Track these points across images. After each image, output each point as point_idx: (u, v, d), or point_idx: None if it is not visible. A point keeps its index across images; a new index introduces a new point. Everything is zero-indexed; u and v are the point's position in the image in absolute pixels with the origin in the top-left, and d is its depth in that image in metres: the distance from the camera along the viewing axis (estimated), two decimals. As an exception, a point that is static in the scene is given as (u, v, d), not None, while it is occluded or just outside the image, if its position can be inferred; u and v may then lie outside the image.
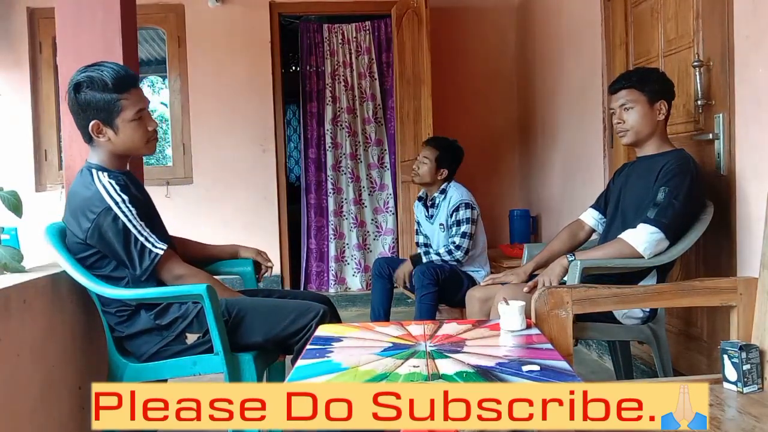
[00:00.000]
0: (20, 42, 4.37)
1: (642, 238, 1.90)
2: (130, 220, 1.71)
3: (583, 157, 3.38)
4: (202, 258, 2.14)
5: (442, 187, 3.11)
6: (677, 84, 2.36)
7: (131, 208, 1.73)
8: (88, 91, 1.71)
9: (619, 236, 1.96)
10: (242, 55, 4.48)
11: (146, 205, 1.87)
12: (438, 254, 2.97)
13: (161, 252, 1.74)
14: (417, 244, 3.33)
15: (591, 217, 2.27)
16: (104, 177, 1.76)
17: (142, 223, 1.74)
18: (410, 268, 3.03)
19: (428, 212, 3.17)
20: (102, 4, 2.17)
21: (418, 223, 3.28)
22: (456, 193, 3.04)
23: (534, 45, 4.30)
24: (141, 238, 1.72)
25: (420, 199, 3.27)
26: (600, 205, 2.27)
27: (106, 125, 1.75)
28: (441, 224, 3.08)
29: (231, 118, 4.49)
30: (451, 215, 3.00)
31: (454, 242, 2.94)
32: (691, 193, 1.90)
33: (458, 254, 2.92)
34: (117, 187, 1.74)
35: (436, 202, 3.12)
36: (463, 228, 2.93)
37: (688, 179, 1.90)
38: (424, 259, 3.02)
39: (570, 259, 1.95)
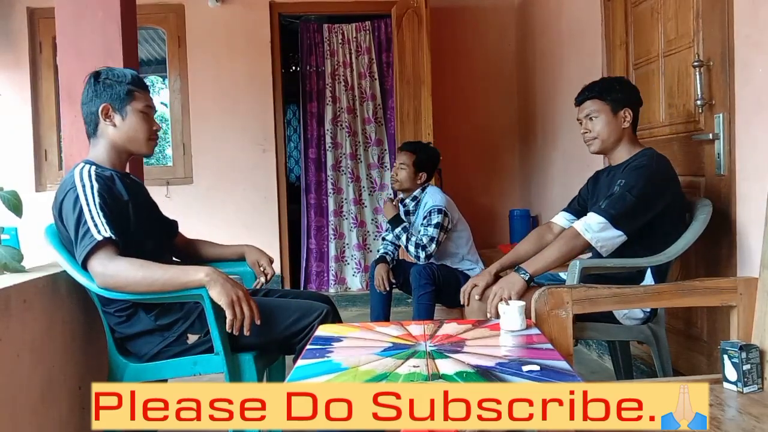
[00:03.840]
0: (20, 42, 4.37)
1: (588, 226, 1.90)
2: (87, 204, 1.66)
3: (583, 157, 3.38)
4: (212, 259, 2.13)
5: (414, 194, 3.11)
6: (677, 84, 2.37)
7: (95, 195, 1.68)
8: (107, 79, 1.80)
9: (571, 225, 1.99)
10: (242, 55, 4.48)
11: (120, 203, 1.76)
12: (407, 246, 2.98)
13: (99, 238, 1.62)
14: (383, 239, 3.30)
15: (563, 219, 2.26)
16: (88, 167, 1.76)
17: (100, 212, 1.66)
18: (386, 269, 3.05)
19: (405, 218, 3.16)
20: (102, 4, 2.17)
21: None
22: (430, 199, 3.03)
23: (534, 45, 4.30)
24: (90, 222, 1.64)
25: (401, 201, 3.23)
26: (573, 208, 2.27)
27: (116, 111, 1.80)
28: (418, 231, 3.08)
29: (231, 117, 4.49)
30: (424, 219, 3.00)
31: (421, 241, 2.93)
32: (647, 188, 1.90)
33: (422, 254, 2.92)
34: (93, 176, 1.72)
35: (409, 208, 3.12)
36: (431, 232, 2.92)
37: (645, 175, 1.91)
38: (388, 257, 3.11)
39: (523, 276, 1.91)
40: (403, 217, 3.11)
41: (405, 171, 3.07)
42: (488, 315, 1.88)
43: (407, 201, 3.14)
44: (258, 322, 1.67)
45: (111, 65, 1.92)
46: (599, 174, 2.23)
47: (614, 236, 1.90)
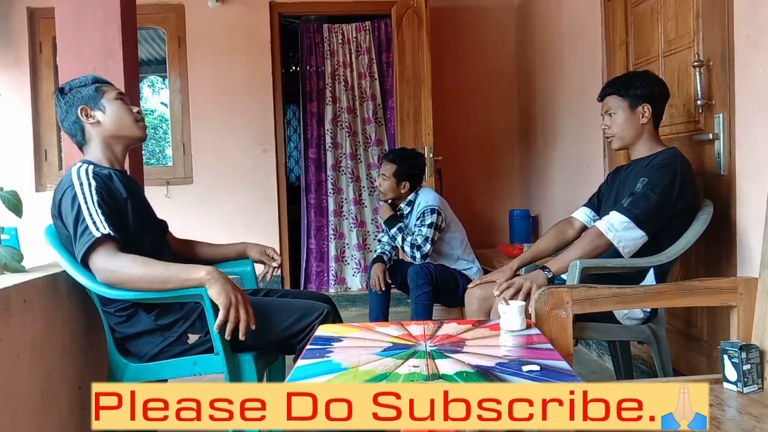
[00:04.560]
0: (20, 42, 4.37)
1: (611, 225, 1.90)
2: (86, 201, 1.67)
3: (583, 157, 3.38)
4: (213, 259, 2.13)
5: (409, 198, 3.11)
6: (677, 84, 2.37)
7: (93, 193, 1.68)
8: (71, 89, 1.83)
9: (594, 224, 1.98)
10: (242, 55, 4.48)
11: (119, 201, 1.77)
12: (403, 246, 2.99)
13: (98, 235, 1.62)
14: (378, 240, 3.31)
15: (584, 214, 2.26)
16: (85, 166, 1.76)
17: (99, 209, 1.66)
18: (383, 269, 3.05)
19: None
20: (102, 4, 2.17)
21: None
22: (423, 200, 3.04)
23: (534, 45, 4.30)
24: (88, 220, 1.65)
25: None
26: (593, 203, 2.27)
27: (94, 108, 1.82)
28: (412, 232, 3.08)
29: (231, 118, 4.49)
30: (417, 220, 3.00)
31: (415, 241, 2.93)
32: (671, 188, 1.89)
33: (417, 254, 2.92)
34: (91, 174, 1.73)
35: (404, 212, 3.12)
36: (425, 232, 2.92)
37: (669, 175, 1.90)
38: (385, 257, 3.11)
39: (547, 274, 1.93)
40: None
41: (387, 182, 3.08)
42: (495, 292, 1.90)
43: (401, 205, 3.14)
44: (253, 327, 1.67)
45: (111, 65, 1.93)
46: (619, 169, 2.22)
47: (637, 236, 1.90)
